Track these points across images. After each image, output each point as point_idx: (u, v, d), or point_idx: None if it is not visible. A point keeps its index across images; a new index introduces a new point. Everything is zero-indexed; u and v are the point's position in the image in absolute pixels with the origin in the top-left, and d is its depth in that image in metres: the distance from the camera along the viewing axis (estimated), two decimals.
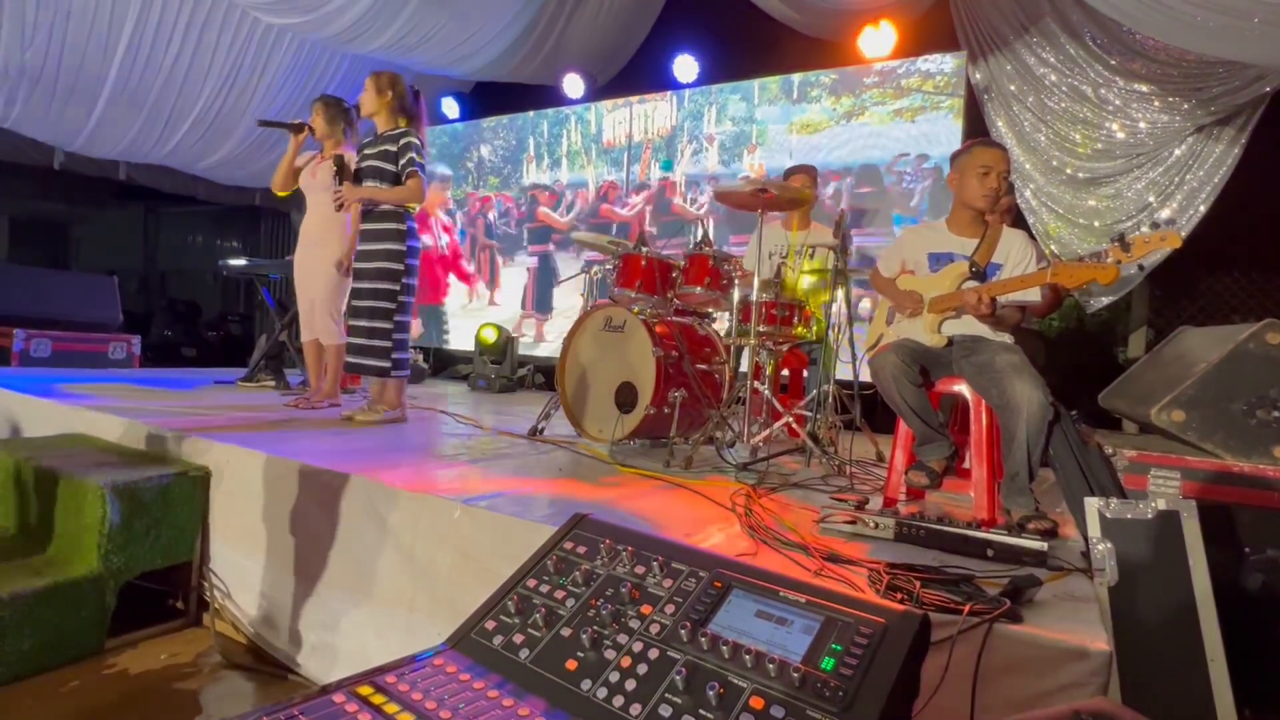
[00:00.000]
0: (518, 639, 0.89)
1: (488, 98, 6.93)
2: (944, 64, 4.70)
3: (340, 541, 2.02)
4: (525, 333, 6.36)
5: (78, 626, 1.98)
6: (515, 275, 6.59)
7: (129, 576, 2.10)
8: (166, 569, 2.23)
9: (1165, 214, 4.13)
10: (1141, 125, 4.19)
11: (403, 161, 3.07)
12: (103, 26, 4.96)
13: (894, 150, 4.83)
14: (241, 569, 2.25)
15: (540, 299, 6.37)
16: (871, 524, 1.74)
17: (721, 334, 3.28)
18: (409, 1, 5.02)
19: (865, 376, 2.55)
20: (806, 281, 3.48)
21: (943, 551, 1.63)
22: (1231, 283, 4.49)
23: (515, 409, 4.35)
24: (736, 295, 2.91)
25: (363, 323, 3.11)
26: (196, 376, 4.81)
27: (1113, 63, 4.18)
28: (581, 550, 1.02)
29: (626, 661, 0.82)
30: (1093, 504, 1.37)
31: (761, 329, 2.78)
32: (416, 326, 6.88)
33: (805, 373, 3.69)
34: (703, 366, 3.02)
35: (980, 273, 2.18)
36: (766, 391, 2.91)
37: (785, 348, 3.26)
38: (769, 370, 3.00)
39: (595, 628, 0.87)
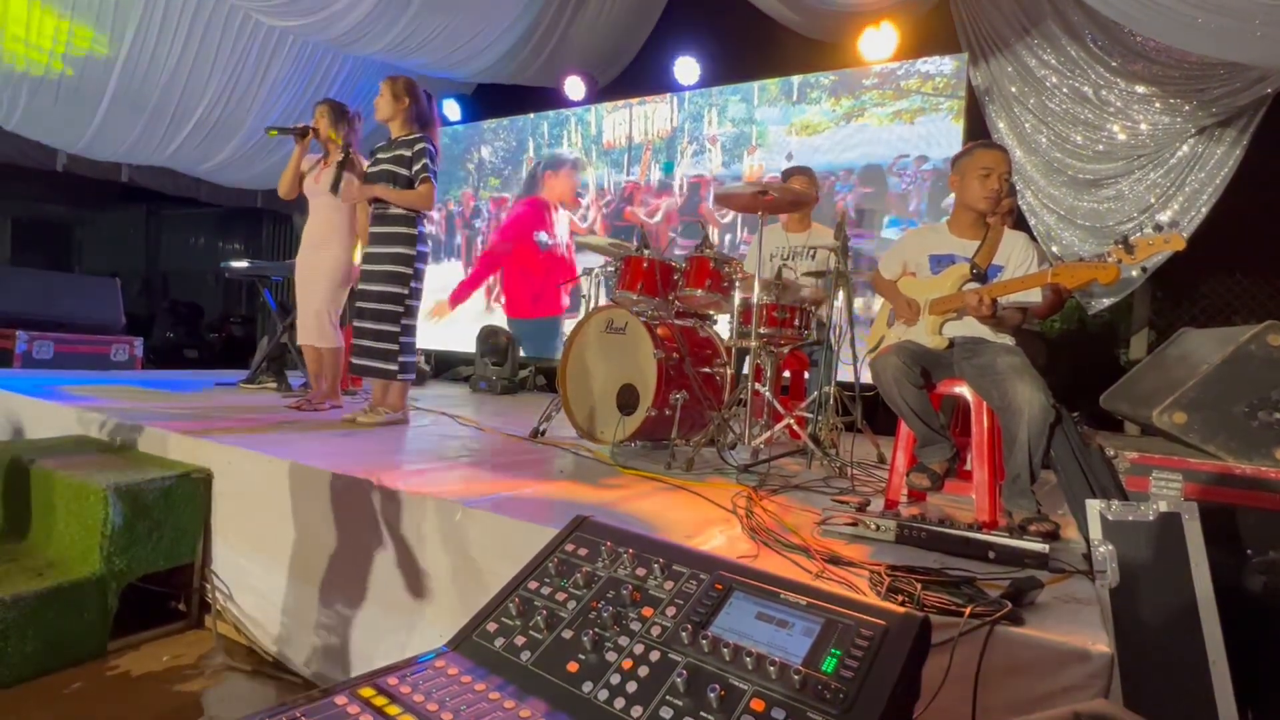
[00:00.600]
0: (519, 641, 0.89)
1: (489, 100, 6.94)
2: (944, 66, 4.70)
3: (341, 543, 2.02)
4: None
5: (80, 628, 1.98)
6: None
7: (131, 578, 2.11)
8: (168, 571, 2.24)
9: (1166, 216, 4.13)
10: (1143, 127, 4.19)
11: (416, 167, 3.08)
12: (105, 28, 4.97)
13: (894, 152, 4.83)
14: (243, 571, 2.25)
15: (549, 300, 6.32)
16: (873, 526, 1.74)
17: (723, 336, 3.29)
18: (411, 4, 5.03)
19: (866, 378, 2.55)
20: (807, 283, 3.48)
21: (944, 554, 1.63)
22: (1233, 284, 4.48)
23: (516, 411, 4.36)
24: (737, 298, 2.92)
25: (369, 325, 3.12)
26: (198, 378, 4.81)
27: (1114, 64, 4.18)
28: (583, 552, 1.02)
29: (628, 664, 0.82)
30: (1094, 506, 1.37)
31: (762, 331, 2.78)
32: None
33: (806, 374, 3.69)
34: (704, 368, 3.02)
35: (981, 274, 2.18)
36: (768, 393, 2.91)
37: (786, 350, 3.27)
38: (770, 372, 3.00)
39: (596, 630, 0.87)
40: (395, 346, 3.11)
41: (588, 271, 3.91)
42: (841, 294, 3.14)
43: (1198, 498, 1.70)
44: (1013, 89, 4.54)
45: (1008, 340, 2.19)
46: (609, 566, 0.98)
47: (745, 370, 2.91)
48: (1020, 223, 4.18)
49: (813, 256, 3.54)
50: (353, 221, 3.47)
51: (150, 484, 2.15)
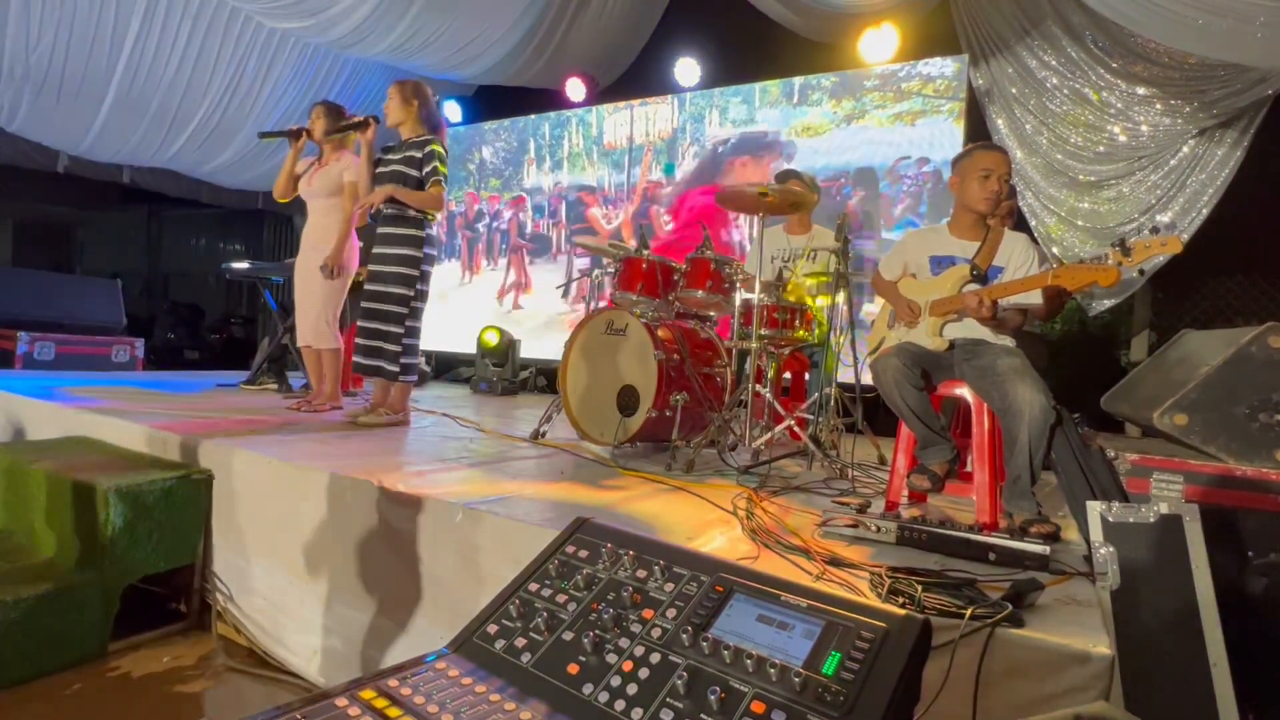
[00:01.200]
0: (520, 643, 0.89)
1: (490, 101, 6.95)
2: (945, 68, 4.70)
3: (342, 544, 2.02)
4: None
5: (81, 630, 1.99)
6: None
7: (132, 579, 2.11)
8: (169, 572, 2.24)
9: (1167, 217, 4.12)
10: (1143, 128, 4.19)
11: (426, 169, 3.08)
12: (107, 31, 4.98)
13: (894, 154, 4.83)
14: (244, 572, 2.25)
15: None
16: (873, 527, 1.73)
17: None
18: (412, 6, 5.04)
19: (867, 379, 2.55)
20: (808, 285, 3.48)
21: (945, 555, 1.63)
22: (1234, 285, 4.48)
23: (517, 412, 4.36)
24: (738, 299, 2.92)
25: (373, 325, 3.12)
26: (199, 379, 4.82)
27: (1114, 65, 4.18)
28: (583, 554, 1.02)
29: (628, 666, 0.82)
30: (1095, 508, 1.37)
31: (763, 332, 2.78)
32: None
33: (807, 376, 3.69)
34: (704, 369, 3.02)
35: (982, 276, 2.18)
36: (768, 394, 2.91)
37: (787, 351, 3.27)
38: (770, 373, 3.00)
39: (597, 632, 0.87)
40: (398, 348, 3.12)
41: (587, 273, 3.92)
42: (842, 295, 3.14)
43: (1199, 499, 1.70)
44: (1013, 90, 4.55)
45: (1008, 342, 2.19)
46: (610, 568, 0.98)
47: (746, 371, 2.91)
48: (1021, 224, 4.18)
49: (813, 259, 3.54)
50: (350, 221, 3.47)
51: (151, 485, 2.16)
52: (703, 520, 1.91)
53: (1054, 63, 4.39)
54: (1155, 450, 1.88)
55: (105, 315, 5.75)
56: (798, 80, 5.23)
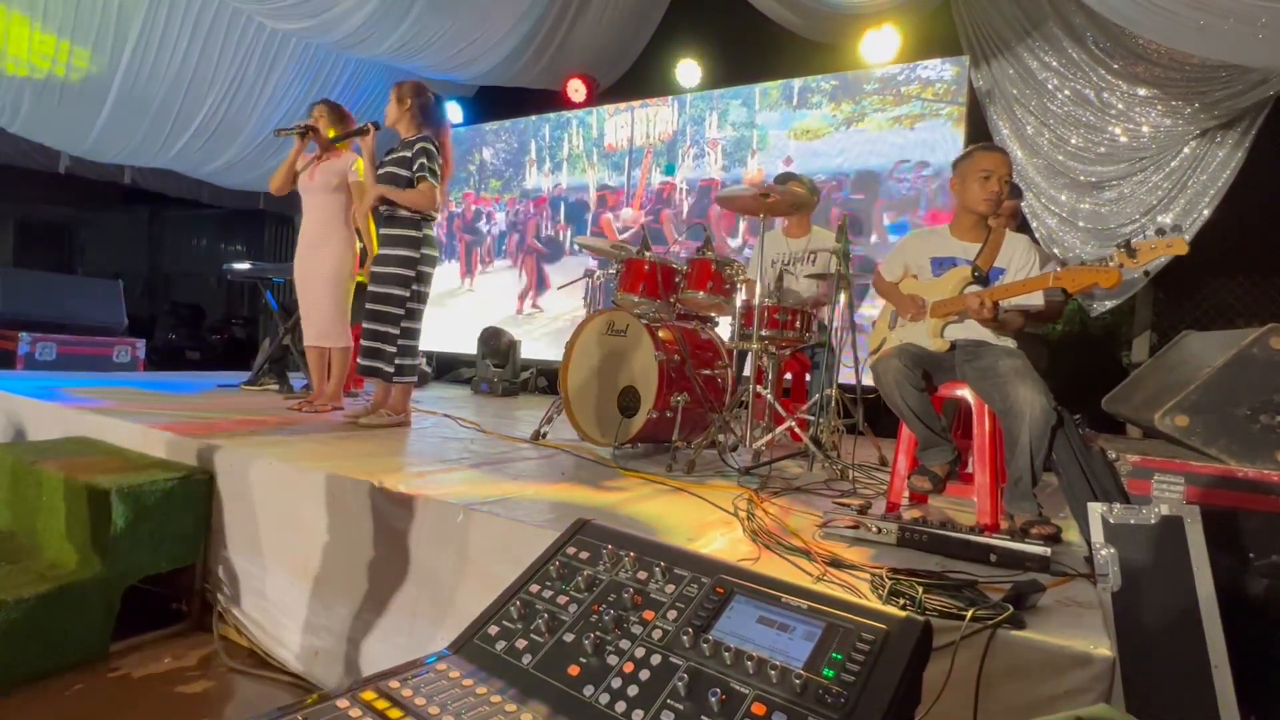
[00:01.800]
0: (520, 644, 0.89)
1: (491, 102, 6.96)
2: (944, 71, 4.70)
3: (343, 545, 2.02)
4: None
5: (82, 630, 1.99)
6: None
7: (133, 580, 2.11)
8: (170, 573, 2.24)
9: (1168, 218, 4.12)
10: (1144, 129, 4.19)
11: (415, 167, 3.08)
12: (109, 31, 4.99)
13: (894, 156, 4.83)
14: (245, 573, 2.25)
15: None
16: (874, 529, 1.73)
17: (724, 338, 3.29)
18: (413, 7, 5.04)
19: (868, 381, 2.55)
20: (808, 286, 3.48)
21: (945, 557, 1.63)
22: (1235, 286, 4.48)
23: (518, 413, 4.36)
24: (739, 299, 2.92)
25: (371, 325, 3.13)
26: (200, 380, 4.82)
27: (1115, 66, 4.18)
28: (584, 556, 1.02)
29: (629, 667, 0.82)
30: (1096, 509, 1.37)
31: (764, 333, 2.78)
32: None
33: (807, 377, 3.69)
34: (705, 371, 3.02)
35: (983, 277, 2.18)
36: (769, 396, 2.91)
37: (788, 352, 3.27)
38: (771, 374, 3.00)
39: (598, 633, 0.87)
40: (393, 348, 3.11)
41: (589, 274, 3.92)
42: (843, 297, 3.14)
43: (1200, 501, 1.70)
44: (1014, 91, 4.55)
45: (1009, 343, 2.19)
46: (610, 570, 0.98)
47: (746, 372, 2.92)
48: (1022, 225, 4.18)
49: (813, 260, 3.54)
50: (349, 218, 3.47)
51: (152, 485, 2.16)
52: (703, 521, 1.91)
53: (1055, 64, 4.39)
54: (1156, 451, 1.88)
55: (106, 316, 5.76)
56: (797, 83, 5.23)
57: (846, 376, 3.35)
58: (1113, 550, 1.31)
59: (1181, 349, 2.43)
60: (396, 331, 3.11)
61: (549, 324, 6.35)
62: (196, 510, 2.29)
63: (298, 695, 1.95)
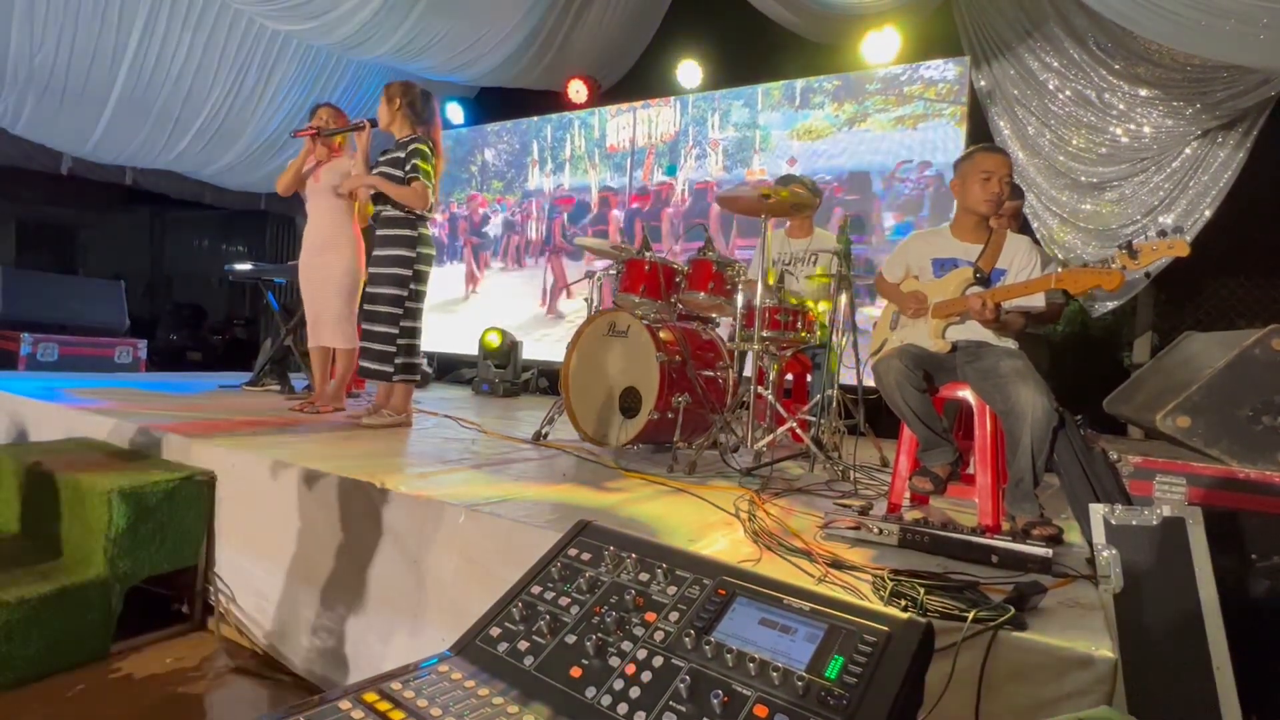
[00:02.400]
0: (522, 646, 0.89)
1: (492, 103, 6.96)
2: (946, 71, 4.70)
3: (345, 546, 2.02)
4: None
5: (84, 631, 1.99)
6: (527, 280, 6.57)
7: (135, 581, 2.11)
8: (172, 573, 2.24)
9: (1170, 218, 4.12)
10: (1146, 129, 4.19)
11: (407, 167, 3.08)
12: (110, 33, 5.00)
13: (896, 157, 4.83)
14: (246, 573, 2.25)
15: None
16: (875, 530, 1.73)
17: (725, 339, 3.29)
18: (414, 8, 5.04)
19: (869, 381, 2.55)
20: (808, 288, 3.48)
21: (947, 558, 1.63)
22: (1237, 287, 4.47)
23: (519, 413, 4.36)
24: (740, 300, 2.92)
25: (369, 327, 3.14)
26: (202, 380, 4.82)
27: (1116, 67, 4.18)
28: (586, 557, 1.02)
29: (631, 669, 0.82)
30: (1098, 510, 1.37)
31: (765, 334, 2.78)
32: None
33: (809, 377, 3.69)
34: (706, 371, 3.02)
35: (984, 278, 2.18)
36: (770, 396, 2.91)
37: (789, 353, 3.26)
38: (772, 375, 3.00)
39: (600, 635, 0.87)
40: (392, 348, 3.12)
41: (591, 274, 3.92)
42: (844, 297, 3.14)
43: (1202, 502, 1.69)
44: (1015, 92, 4.54)
45: (1010, 344, 2.19)
46: (612, 571, 0.98)
47: (748, 373, 2.91)
48: (1024, 226, 4.17)
49: (814, 262, 3.54)
50: (355, 221, 3.48)
51: (154, 486, 2.16)
52: (705, 522, 1.90)
53: (1056, 64, 4.38)
54: (1158, 453, 1.88)
55: (108, 316, 5.76)
56: (800, 83, 5.23)
57: (847, 377, 3.35)
58: (1115, 551, 1.31)
59: (1183, 350, 2.43)
60: (396, 331, 3.11)
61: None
62: (198, 511, 2.29)
63: (299, 696, 1.95)
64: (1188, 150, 4.13)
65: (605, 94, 6.29)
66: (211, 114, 5.84)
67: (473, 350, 5.93)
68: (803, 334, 2.90)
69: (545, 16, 5.59)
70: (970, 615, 1.18)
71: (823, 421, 3.04)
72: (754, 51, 5.57)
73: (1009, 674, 1.17)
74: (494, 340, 5.68)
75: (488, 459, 2.62)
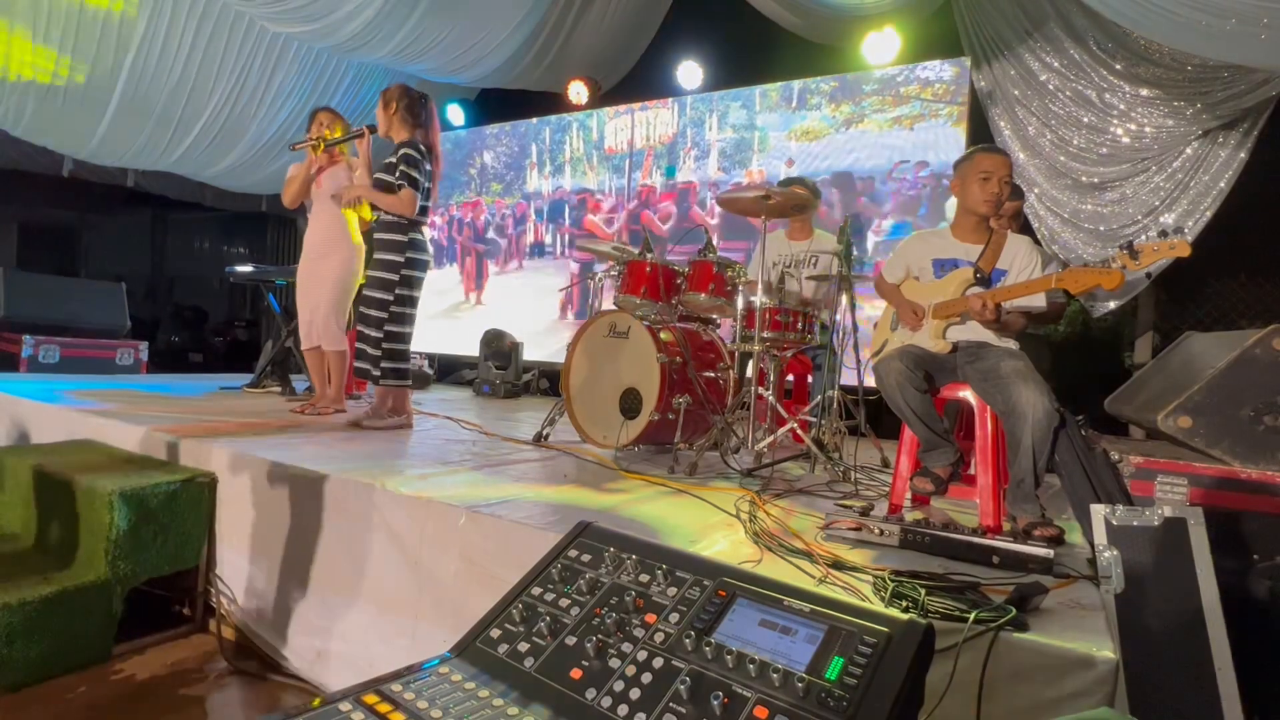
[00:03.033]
0: (522, 647, 0.89)
1: (492, 104, 6.97)
2: (943, 71, 4.70)
3: (346, 548, 2.02)
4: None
5: (85, 633, 1.99)
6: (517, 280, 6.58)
7: (136, 583, 2.11)
8: (173, 575, 2.24)
9: (1171, 219, 4.12)
10: (1147, 129, 4.19)
11: (396, 173, 3.10)
12: (112, 34, 5.00)
13: (894, 157, 4.83)
14: (248, 575, 2.25)
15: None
16: (876, 531, 1.73)
17: (726, 340, 3.28)
18: (415, 10, 5.05)
19: (870, 382, 2.54)
20: (809, 288, 3.48)
21: (948, 558, 1.63)
22: (1238, 287, 4.47)
23: (520, 415, 4.36)
24: (740, 301, 2.92)
25: (358, 329, 3.21)
26: (203, 382, 4.83)
27: (1117, 67, 4.18)
28: (586, 558, 1.02)
29: (631, 670, 0.82)
30: (1099, 511, 1.36)
31: (766, 335, 2.78)
32: None
33: (809, 378, 3.69)
34: (707, 373, 3.02)
35: (985, 279, 2.18)
36: (771, 397, 2.91)
37: (789, 353, 3.26)
38: (773, 376, 3.00)
39: (600, 636, 0.87)
40: (376, 351, 3.15)
41: (591, 276, 3.92)
42: (845, 298, 3.14)
43: (1203, 502, 1.69)
44: (1015, 92, 4.54)
45: (1011, 344, 2.19)
46: (612, 573, 0.98)
47: (749, 374, 2.91)
48: (1024, 226, 4.17)
49: (815, 264, 3.54)
50: (355, 226, 3.50)
51: (155, 488, 2.16)
52: (706, 523, 1.90)
53: (1056, 64, 4.38)
54: (1159, 453, 1.88)
55: (109, 318, 5.77)
56: (797, 84, 5.24)
57: (848, 378, 3.35)
58: (1116, 552, 1.31)
59: (1184, 350, 2.43)
60: (379, 335, 3.14)
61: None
62: (198, 513, 2.29)
63: (300, 698, 1.95)
64: (1188, 150, 4.12)
65: (604, 95, 6.30)
66: (213, 116, 5.85)
67: (473, 351, 5.93)
68: (804, 335, 2.90)
69: (545, 17, 5.60)
70: (971, 616, 1.18)
71: (823, 422, 3.03)
72: (753, 52, 5.57)
73: (1010, 675, 1.17)
74: (495, 341, 5.68)
75: (488, 460, 2.62)
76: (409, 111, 3.18)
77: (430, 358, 6.64)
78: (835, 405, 3.10)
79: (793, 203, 2.82)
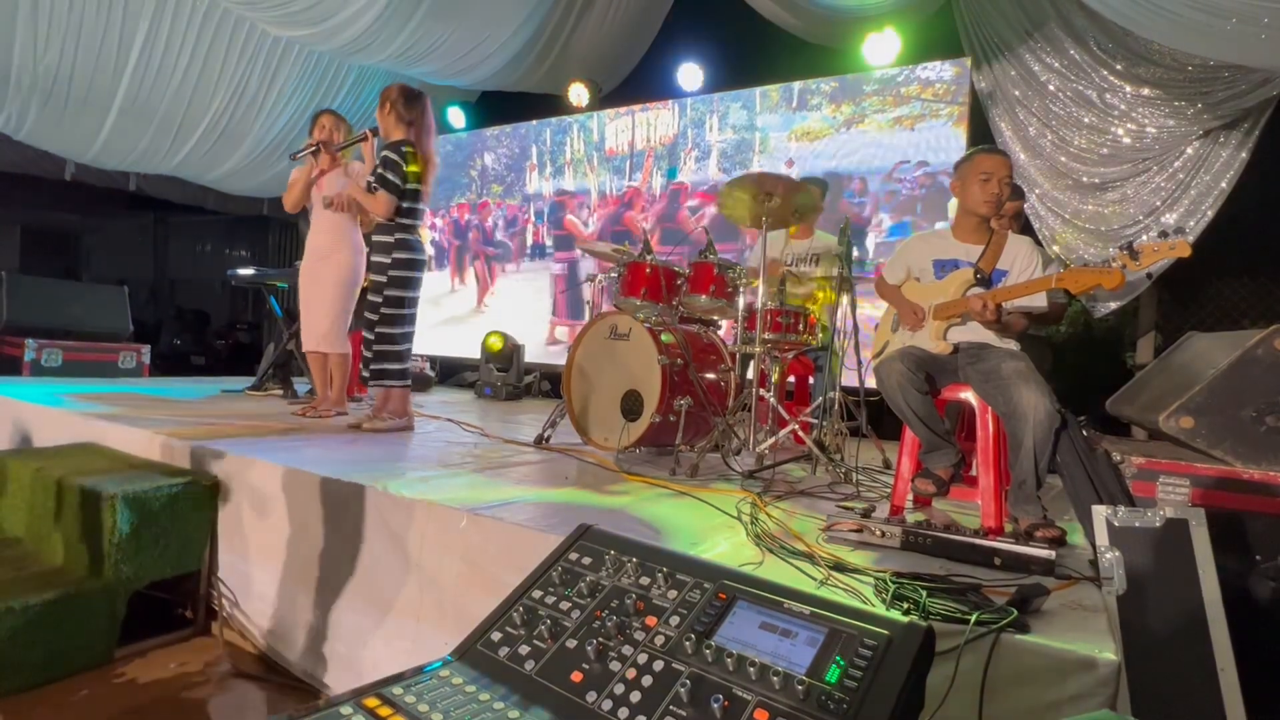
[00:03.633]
0: (523, 650, 0.89)
1: (493, 107, 6.98)
2: (943, 72, 4.70)
3: (347, 551, 2.02)
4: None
5: (88, 636, 1.99)
6: (517, 281, 6.60)
7: (138, 586, 2.11)
8: (175, 578, 2.25)
9: (1172, 219, 4.11)
10: (1148, 130, 4.18)
11: (374, 175, 3.11)
12: (113, 39, 5.02)
13: (894, 158, 4.84)
14: (249, 578, 2.26)
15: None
16: (878, 532, 1.73)
17: (727, 341, 3.28)
18: (416, 13, 5.06)
19: (871, 383, 2.54)
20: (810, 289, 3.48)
21: (949, 560, 1.63)
22: (1240, 287, 4.46)
23: (521, 417, 4.36)
24: (741, 303, 2.92)
25: (361, 331, 3.20)
26: (205, 385, 4.84)
27: (1118, 67, 4.17)
28: (587, 561, 1.02)
29: (631, 673, 0.82)
30: (1101, 512, 1.36)
31: (767, 337, 2.78)
32: None
33: (811, 380, 3.69)
34: (708, 374, 3.02)
35: (985, 279, 2.18)
36: (772, 399, 2.91)
37: (791, 355, 3.26)
38: (774, 377, 3.00)
39: (600, 639, 0.87)
40: (368, 354, 3.19)
41: (591, 278, 3.93)
42: (846, 299, 3.14)
43: (1205, 503, 1.69)
44: (1016, 93, 4.54)
45: (1012, 345, 2.19)
46: (613, 575, 0.98)
47: (750, 375, 2.91)
48: (1025, 227, 4.17)
49: (816, 263, 3.54)
50: (357, 229, 3.50)
51: (157, 491, 2.16)
52: (707, 525, 1.90)
53: (1057, 65, 4.38)
54: (1161, 453, 1.88)
55: (112, 322, 5.78)
56: (797, 85, 5.24)
57: (849, 379, 3.35)
58: (1118, 553, 1.31)
59: (1186, 350, 2.42)
60: (371, 337, 3.17)
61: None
62: (201, 516, 2.29)
63: (302, 700, 1.95)
64: (1189, 150, 4.12)
65: (605, 97, 6.31)
66: (214, 120, 5.87)
67: (475, 353, 5.94)
68: (805, 337, 2.90)
69: (546, 20, 5.61)
70: (973, 618, 1.18)
71: (825, 424, 3.03)
72: (754, 53, 5.58)
73: (1011, 677, 1.17)
74: (496, 343, 5.68)
75: (489, 463, 2.62)
76: (403, 109, 3.18)
77: (431, 360, 6.65)
78: (836, 407, 3.10)
79: (793, 205, 2.83)
